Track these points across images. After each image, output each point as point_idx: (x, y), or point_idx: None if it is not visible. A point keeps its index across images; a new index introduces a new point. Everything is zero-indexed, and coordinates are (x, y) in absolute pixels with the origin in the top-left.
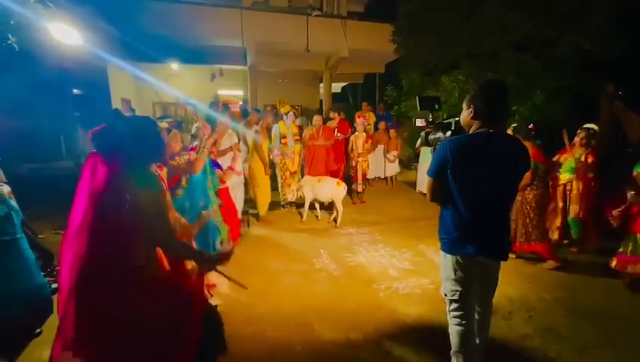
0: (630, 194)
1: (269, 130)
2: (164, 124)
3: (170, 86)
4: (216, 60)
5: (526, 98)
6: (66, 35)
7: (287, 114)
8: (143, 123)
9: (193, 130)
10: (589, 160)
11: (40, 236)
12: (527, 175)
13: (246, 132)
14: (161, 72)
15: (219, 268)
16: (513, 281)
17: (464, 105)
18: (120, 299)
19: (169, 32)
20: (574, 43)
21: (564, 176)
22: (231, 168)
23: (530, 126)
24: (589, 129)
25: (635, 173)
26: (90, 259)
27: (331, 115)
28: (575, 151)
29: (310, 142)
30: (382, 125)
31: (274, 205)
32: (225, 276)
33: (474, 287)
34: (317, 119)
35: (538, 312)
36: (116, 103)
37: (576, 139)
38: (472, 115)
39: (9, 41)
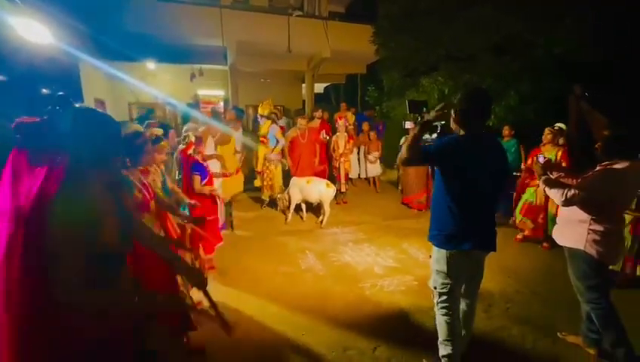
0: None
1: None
2: (156, 131)
3: (148, 86)
4: (196, 60)
5: (502, 99)
6: (35, 34)
7: (262, 117)
8: (95, 116)
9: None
10: (563, 161)
11: None
12: None
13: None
14: (138, 72)
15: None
16: (494, 276)
17: (453, 110)
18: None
19: (146, 29)
20: (547, 47)
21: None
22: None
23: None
24: (553, 127)
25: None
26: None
27: (317, 114)
28: (545, 151)
29: (296, 143)
30: (365, 126)
31: (256, 207)
32: (214, 312)
33: (462, 280)
34: (301, 122)
35: (516, 304)
36: (89, 104)
37: (543, 138)
38: (460, 118)
39: None
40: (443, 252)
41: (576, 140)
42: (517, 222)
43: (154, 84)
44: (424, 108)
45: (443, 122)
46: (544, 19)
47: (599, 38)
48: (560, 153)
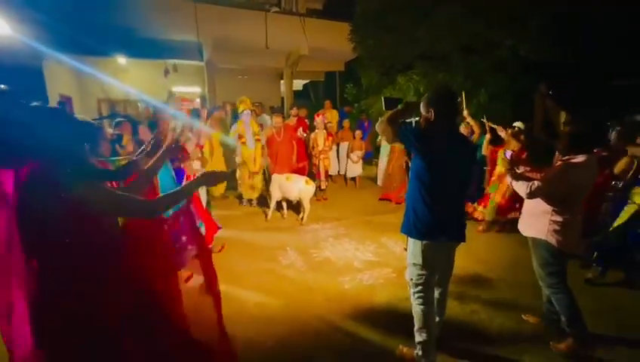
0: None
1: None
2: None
3: (119, 81)
4: (169, 55)
5: (473, 97)
6: None
7: (242, 112)
8: (43, 111)
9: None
10: (522, 155)
11: None
12: None
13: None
14: (108, 67)
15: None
16: (466, 265)
17: (422, 109)
18: (83, 306)
19: (116, 22)
20: (513, 47)
21: (500, 170)
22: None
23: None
24: (514, 127)
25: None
26: (40, 273)
27: (292, 112)
28: (509, 146)
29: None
30: (346, 123)
31: (236, 205)
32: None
33: (437, 271)
34: (277, 120)
35: (485, 291)
36: (54, 100)
37: (505, 135)
38: (432, 117)
39: None
40: (419, 244)
41: (542, 136)
42: (478, 214)
43: (125, 79)
44: (399, 106)
45: (417, 118)
46: (510, 20)
47: (562, 39)
48: (520, 150)
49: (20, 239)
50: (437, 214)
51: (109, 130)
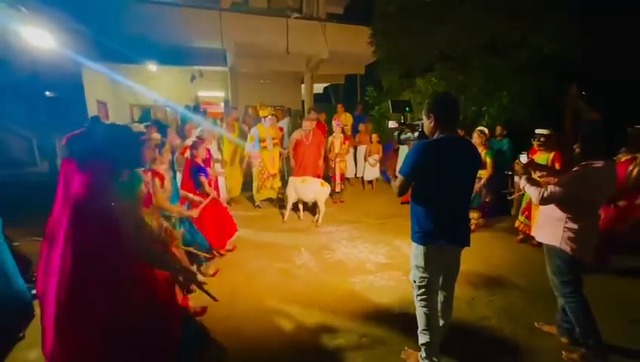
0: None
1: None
2: (156, 136)
3: (149, 88)
4: (196, 61)
5: (494, 99)
6: (38, 39)
7: (265, 118)
8: (122, 131)
9: (198, 133)
10: (557, 165)
11: (15, 243)
12: None
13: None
14: (139, 74)
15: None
16: (479, 271)
17: (424, 116)
18: (106, 309)
19: (147, 32)
20: (536, 46)
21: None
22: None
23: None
24: (540, 135)
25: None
26: (77, 272)
27: (311, 116)
28: (538, 157)
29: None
30: (362, 127)
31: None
32: (200, 288)
33: (439, 274)
34: (307, 124)
35: (498, 297)
36: (91, 106)
37: (534, 144)
38: (432, 123)
39: None
40: (421, 248)
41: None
42: (518, 224)
43: (155, 85)
44: (406, 108)
45: (423, 121)
46: (532, 18)
47: (585, 37)
48: (552, 156)
49: (73, 229)
50: (436, 218)
51: (157, 136)
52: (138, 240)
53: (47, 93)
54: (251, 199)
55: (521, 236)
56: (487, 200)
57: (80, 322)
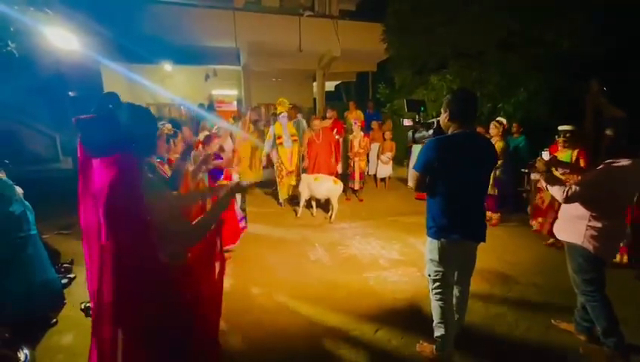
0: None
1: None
2: (168, 127)
3: (165, 87)
4: (210, 61)
5: (510, 96)
6: (63, 41)
7: (280, 115)
8: (143, 109)
9: (215, 129)
10: (581, 162)
11: (43, 236)
12: None
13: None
14: (155, 73)
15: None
16: (496, 267)
17: (442, 110)
18: (152, 309)
19: (162, 33)
20: (554, 42)
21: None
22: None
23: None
24: (565, 132)
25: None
26: (120, 266)
27: (328, 114)
28: (561, 154)
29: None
30: (375, 125)
31: (269, 203)
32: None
33: (454, 268)
34: (316, 123)
35: (514, 293)
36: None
37: (559, 141)
38: (448, 117)
39: (9, 48)
40: (435, 242)
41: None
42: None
43: (170, 85)
44: (421, 107)
45: (438, 119)
46: (550, 14)
47: (607, 33)
48: (575, 153)
49: (105, 224)
50: (450, 213)
51: (169, 126)
52: (177, 234)
53: (70, 93)
54: (266, 196)
55: (551, 241)
56: (494, 192)
57: (126, 325)
